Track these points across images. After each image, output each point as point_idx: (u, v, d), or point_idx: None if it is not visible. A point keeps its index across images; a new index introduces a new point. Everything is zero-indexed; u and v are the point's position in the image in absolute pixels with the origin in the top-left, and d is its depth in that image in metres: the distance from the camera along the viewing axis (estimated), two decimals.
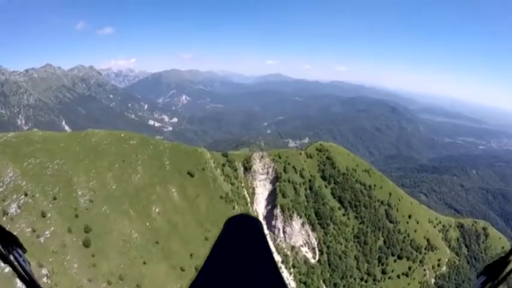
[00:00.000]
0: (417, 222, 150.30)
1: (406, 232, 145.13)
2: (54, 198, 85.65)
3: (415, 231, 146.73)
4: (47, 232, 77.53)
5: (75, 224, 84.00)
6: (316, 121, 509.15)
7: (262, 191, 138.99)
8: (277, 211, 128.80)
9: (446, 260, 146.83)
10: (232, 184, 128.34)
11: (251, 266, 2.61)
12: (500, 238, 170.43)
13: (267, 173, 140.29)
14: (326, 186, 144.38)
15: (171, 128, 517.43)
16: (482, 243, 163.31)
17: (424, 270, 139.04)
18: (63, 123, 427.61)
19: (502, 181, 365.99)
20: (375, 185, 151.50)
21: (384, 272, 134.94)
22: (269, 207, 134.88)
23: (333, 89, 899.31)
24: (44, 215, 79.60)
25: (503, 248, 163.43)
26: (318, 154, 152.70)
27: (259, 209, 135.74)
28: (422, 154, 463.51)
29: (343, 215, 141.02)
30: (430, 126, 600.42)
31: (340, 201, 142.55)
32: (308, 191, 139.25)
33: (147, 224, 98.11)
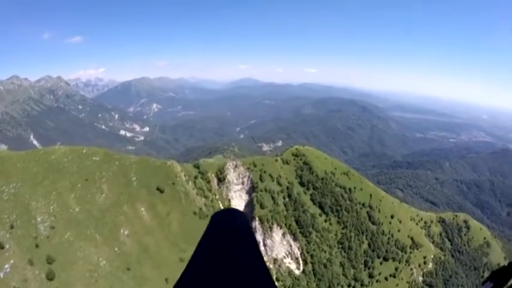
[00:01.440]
0: (400, 222, 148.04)
1: (390, 233, 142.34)
2: (12, 227, 77.17)
3: (398, 230, 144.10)
4: (6, 266, 69.61)
5: (37, 255, 75.38)
6: (288, 123, 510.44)
7: (238, 202, 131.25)
8: (256, 223, 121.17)
9: (432, 256, 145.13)
10: (206, 197, 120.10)
11: (237, 261, 2.29)
12: (481, 229, 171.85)
13: (243, 183, 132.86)
14: (305, 193, 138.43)
15: (142, 138, 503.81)
16: (465, 235, 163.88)
17: (411, 269, 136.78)
18: (32, 137, 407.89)
19: (474, 171, 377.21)
20: (354, 188, 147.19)
21: (371, 276, 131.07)
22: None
23: (303, 90, 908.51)
24: (1, 247, 71.41)
25: (485, 238, 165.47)
26: (294, 159, 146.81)
27: None
28: (395, 151, 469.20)
29: (325, 221, 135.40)
30: (402, 123, 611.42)
31: (321, 207, 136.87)
32: (287, 199, 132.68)
33: (116, 249, 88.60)
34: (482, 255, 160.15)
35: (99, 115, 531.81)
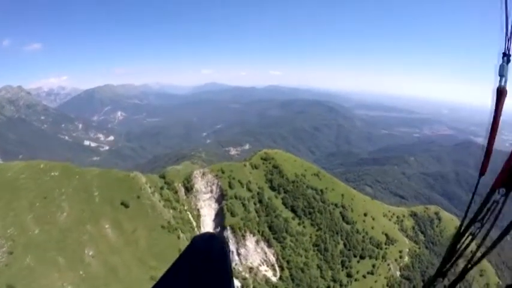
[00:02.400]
0: (373, 219, 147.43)
1: (364, 231, 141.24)
2: None
3: (372, 228, 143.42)
4: None
5: None
6: (255, 126, 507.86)
7: (208, 211, 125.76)
8: (228, 233, 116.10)
9: (407, 250, 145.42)
10: (174, 209, 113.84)
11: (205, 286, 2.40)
12: (452, 219, 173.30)
13: (211, 191, 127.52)
14: (276, 197, 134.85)
15: (108, 147, 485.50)
16: (437, 227, 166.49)
17: (388, 264, 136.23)
18: None
19: (439, 164, 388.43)
20: (326, 188, 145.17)
21: (349, 275, 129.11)
22: (218, 230, 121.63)
23: (269, 93, 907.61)
24: None
25: (456, 227, 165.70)
26: (263, 163, 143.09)
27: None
28: (361, 148, 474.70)
29: (299, 224, 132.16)
30: (366, 121, 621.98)
31: (294, 211, 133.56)
32: (258, 205, 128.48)
33: (81, 272, 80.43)
34: None
35: (62, 125, 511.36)
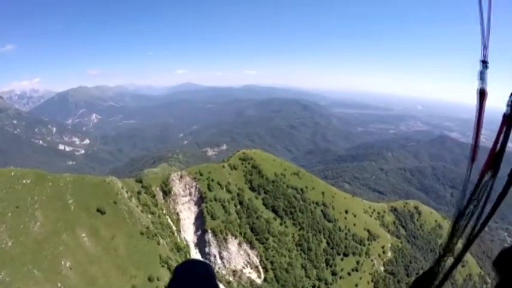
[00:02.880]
0: (354, 216, 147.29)
1: (347, 228, 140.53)
2: None
3: (354, 225, 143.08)
4: None
5: None
6: (231, 126, 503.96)
7: (188, 215, 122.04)
8: (209, 236, 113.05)
9: (389, 245, 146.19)
10: (152, 214, 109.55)
11: None
12: (431, 213, 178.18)
13: (190, 194, 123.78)
14: (257, 198, 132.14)
15: (83, 151, 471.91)
16: (417, 221, 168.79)
17: (372, 260, 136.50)
18: None
19: (416, 159, 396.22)
20: (306, 187, 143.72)
21: (334, 274, 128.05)
22: (199, 233, 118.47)
23: (245, 93, 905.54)
24: None
25: (436, 221, 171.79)
26: (242, 164, 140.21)
27: (188, 236, 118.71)
28: (338, 145, 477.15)
29: (280, 224, 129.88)
30: (343, 119, 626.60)
31: (275, 211, 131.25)
32: (238, 207, 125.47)
33: (59, 284, 75.06)
34: (436, 237, 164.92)
35: (36, 129, 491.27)
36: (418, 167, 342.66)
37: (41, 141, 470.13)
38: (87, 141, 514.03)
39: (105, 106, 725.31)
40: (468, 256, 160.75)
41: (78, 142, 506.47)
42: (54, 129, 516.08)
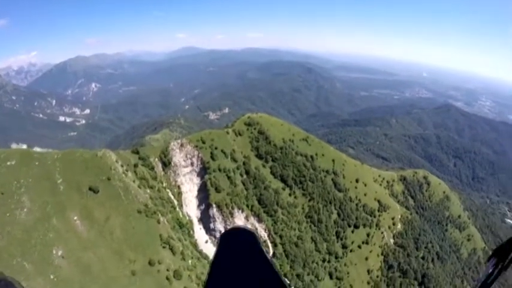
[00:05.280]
0: (365, 185, 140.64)
1: (357, 198, 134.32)
2: None
3: (365, 194, 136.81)
4: None
5: None
6: (233, 89, 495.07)
7: (190, 187, 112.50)
8: (213, 211, 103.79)
9: (399, 216, 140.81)
10: (151, 188, 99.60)
11: (254, 282, 2.49)
12: (440, 184, 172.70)
13: (192, 164, 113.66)
14: (264, 166, 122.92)
15: (84, 121, 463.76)
16: (426, 191, 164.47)
17: (382, 233, 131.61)
18: None
19: (420, 126, 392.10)
20: (316, 154, 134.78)
21: (344, 247, 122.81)
22: (203, 207, 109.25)
23: (247, 56, 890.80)
24: None
25: (444, 192, 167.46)
26: (247, 129, 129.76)
27: (191, 210, 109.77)
28: (342, 109, 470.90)
29: (290, 195, 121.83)
30: (347, 82, 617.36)
31: (283, 180, 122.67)
32: (245, 177, 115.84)
33: (52, 276, 66.01)
34: (444, 209, 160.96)
35: (35, 103, 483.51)
36: (422, 135, 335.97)
37: (41, 115, 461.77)
38: (87, 111, 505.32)
39: (104, 74, 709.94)
40: (473, 230, 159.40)
41: (78, 112, 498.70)
42: (54, 101, 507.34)
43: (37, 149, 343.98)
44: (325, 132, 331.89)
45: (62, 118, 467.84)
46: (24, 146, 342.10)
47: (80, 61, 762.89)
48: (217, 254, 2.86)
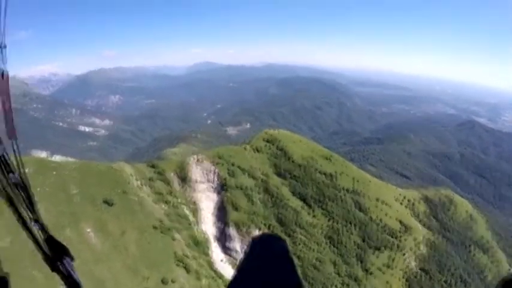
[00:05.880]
0: (386, 205, 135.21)
1: (379, 218, 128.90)
2: None
3: (386, 215, 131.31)
4: None
5: None
6: (254, 105, 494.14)
7: (207, 204, 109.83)
8: (231, 229, 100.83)
9: (422, 238, 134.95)
10: (166, 203, 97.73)
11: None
12: (463, 203, 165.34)
13: (209, 180, 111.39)
14: (283, 184, 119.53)
15: (104, 132, 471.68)
16: (449, 211, 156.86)
17: (404, 255, 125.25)
18: None
19: (442, 143, 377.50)
20: (336, 172, 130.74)
21: (365, 270, 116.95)
22: (219, 225, 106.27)
23: (266, 71, 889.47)
24: None
25: (468, 212, 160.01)
26: (266, 146, 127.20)
27: (208, 228, 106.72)
28: (363, 126, 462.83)
29: (309, 214, 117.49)
30: (366, 99, 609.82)
31: (303, 199, 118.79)
32: (263, 195, 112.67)
33: None
34: (468, 230, 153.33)
35: (56, 112, 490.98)
36: (445, 153, 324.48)
37: (61, 123, 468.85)
38: (107, 121, 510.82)
39: (125, 87, 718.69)
40: (498, 252, 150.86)
41: (98, 122, 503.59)
42: (74, 110, 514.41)
43: (57, 157, 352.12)
44: (348, 151, 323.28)
45: (82, 128, 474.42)
46: (44, 154, 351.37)
47: (101, 73, 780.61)
48: (246, 257, 2.35)
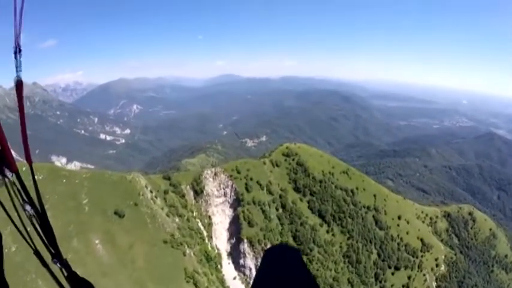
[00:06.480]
0: (407, 222, 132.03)
1: (399, 237, 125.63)
2: None
3: (407, 233, 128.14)
4: None
5: None
6: (271, 117, 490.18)
7: (221, 219, 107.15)
8: (245, 246, 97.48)
9: (443, 257, 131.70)
10: (180, 216, 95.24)
11: None
12: (485, 220, 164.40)
13: (225, 195, 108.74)
14: (301, 200, 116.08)
15: (124, 141, 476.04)
16: (471, 228, 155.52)
17: (424, 275, 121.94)
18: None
19: (461, 157, 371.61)
20: (357, 188, 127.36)
21: None
22: (233, 241, 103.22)
23: (284, 84, 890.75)
24: None
25: (490, 229, 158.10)
26: (285, 160, 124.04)
27: (221, 244, 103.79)
28: (380, 139, 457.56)
29: (327, 232, 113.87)
30: (384, 111, 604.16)
31: (321, 216, 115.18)
32: (280, 211, 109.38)
33: None
34: (490, 248, 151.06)
35: (78, 120, 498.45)
36: (464, 166, 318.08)
37: (82, 131, 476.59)
38: (127, 131, 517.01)
39: (145, 97, 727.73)
40: None
41: (119, 132, 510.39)
42: (96, 119, 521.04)
43: (75, 163, 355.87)
44: (364, 163, 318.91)
45: (102, 136, 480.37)
46: (64, 160, 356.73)
47: (123, 83, 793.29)
48: (261, 268, 2.28)
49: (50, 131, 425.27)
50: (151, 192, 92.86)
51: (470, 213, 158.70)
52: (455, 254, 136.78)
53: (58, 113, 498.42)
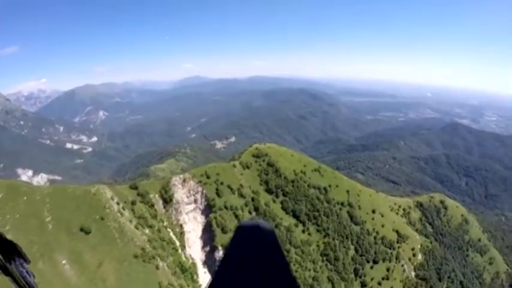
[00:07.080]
0: (382, 215, 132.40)
1: (375, 230, 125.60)
2: None
3: (382, 226, 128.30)
4: None
5: None
6: (239, 118, 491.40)
7: (193, 226, 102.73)
8: (220, 254, 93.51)
9: (419, 246, 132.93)
10: (150, 227, 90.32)
11: (266, 275, 2.33)
12: (457, 207, 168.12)
13: (195, 201, 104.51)
14: (274, 201, 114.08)
15: (91, 149, 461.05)
16: (444, 216, 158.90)
17: (402, 265, 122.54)
18: None
19: (428, 147, 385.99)
20: (329, 186, 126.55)
21: (363, 285, 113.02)
22: (207, 249, 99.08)
23: (252, 84, 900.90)
24: None
25: (462, 215, 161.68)
26: (256, 161, 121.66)
27: (195, 253, 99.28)
28: (349, 134, 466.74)
29: (303, 231, 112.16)
30: (351, 107, 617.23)
31: (296, 216, 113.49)
32: (253, 214, 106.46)
33: None
34: (463, 233, 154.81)
35: (43, 129, 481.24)
36: (431, 156, 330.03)
37: (48, 141, 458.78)
38: (94, 138, 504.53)
39: (111, 103, 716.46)
40: (494, 252, 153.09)
41: (85, 140, 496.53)
42: (62, 128, 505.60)
43: (43, 175, 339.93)
44: (333, 159, 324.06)
45: (69, 145, 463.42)
46: (30, 172, 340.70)
47: (88, 89, 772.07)
48: (231, 246, 2.14)
49: (14, 143, 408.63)
50: (118, 204, 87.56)
51: (441, 202, 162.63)
52: (431, 242, 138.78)
53: (22, 123, 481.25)
